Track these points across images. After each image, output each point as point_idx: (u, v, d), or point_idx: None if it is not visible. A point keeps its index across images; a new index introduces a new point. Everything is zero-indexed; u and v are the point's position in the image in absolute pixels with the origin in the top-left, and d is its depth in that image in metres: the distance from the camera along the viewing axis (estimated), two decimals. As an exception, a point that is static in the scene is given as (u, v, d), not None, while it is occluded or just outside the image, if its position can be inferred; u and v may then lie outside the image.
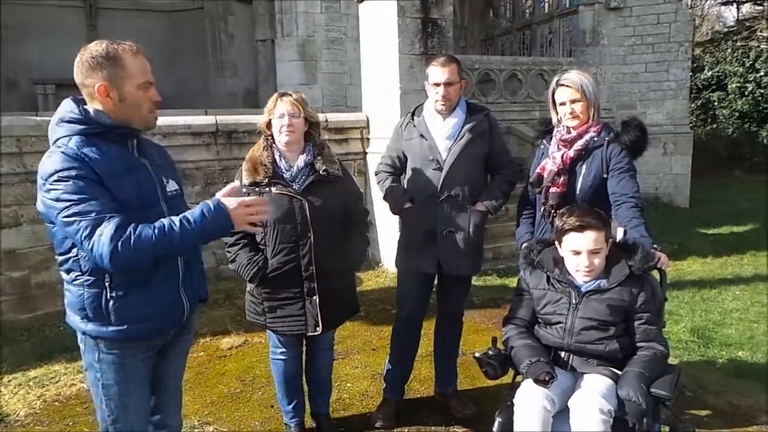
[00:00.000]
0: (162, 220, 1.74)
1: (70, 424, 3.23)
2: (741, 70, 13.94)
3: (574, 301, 2.27)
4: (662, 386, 2.08)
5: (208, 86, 11.84)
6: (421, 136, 2.99)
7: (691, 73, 10.93)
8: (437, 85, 2.90)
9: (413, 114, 3.10)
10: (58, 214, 1.68)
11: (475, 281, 4.26)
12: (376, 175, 3.26)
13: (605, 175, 2.62)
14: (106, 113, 1.80)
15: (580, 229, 2.23)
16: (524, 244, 2.68)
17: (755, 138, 13.98)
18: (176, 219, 1.74)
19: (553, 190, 2.67)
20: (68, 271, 1.82)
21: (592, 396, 2.08)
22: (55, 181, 1.68)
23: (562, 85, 2.66)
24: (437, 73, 2.90)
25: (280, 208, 2.55)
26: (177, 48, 12.44)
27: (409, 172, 3.08)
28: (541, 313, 2.36)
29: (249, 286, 2.73)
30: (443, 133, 2.96)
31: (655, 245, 2.40)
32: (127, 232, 1.67)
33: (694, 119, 15.11)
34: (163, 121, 5.52)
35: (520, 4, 13.12)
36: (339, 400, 3.40)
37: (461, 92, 3.01)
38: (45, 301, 4.88)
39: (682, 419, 2.93)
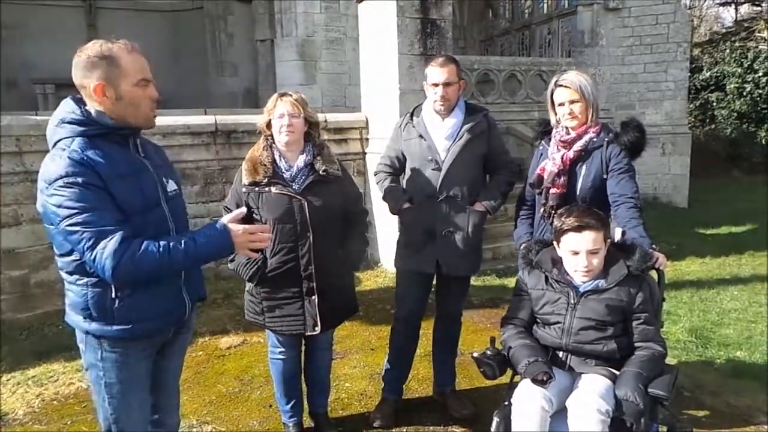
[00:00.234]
0: (168, 237, 1.77)
1: (69, 423, 3.24)
2: (739, 70, 13.96)
3: (572, 301, 2.27)
4: (660, 386, 2.09)
5: (207, 86, 11.82)
6: (420, 136, 3.00)
7: (689, 74, 10.94)
8: (436, 85, 2.91)
9: (412, 114, 3.11)
10: (61, 221, 1.67)
11: (474, 281, 4.27)
12: (375, 175, 3.27)
13: (605, 176, 2.63)
14: (106, 114, 1.79)
15: (578, 229, 2.23)
16: (523, 245, 2.69)
17: (754, 138, 14.01)
18: (182, 239, 1.76)
19: (553, 191, 2.68)
20: (71, 273, 1.82)
21: (590, 396, 2.09)
22: (60, 186, 1.66)
23: (561, 85, 2.67)
24: (436, 73, 2.91)
25: (280, 207, 2.55)
26: (176, 48, 12.44)
27: (408, 173, 3.09)
28: (540, 313, 2.37)
29: (248, 286, 2.74)
30: (442, 133, 2.97)
31: (653, 245, 2.41)
32: (132, 249, 1.68)
33: (693, 120, 15.13)
34: (163, 120, 5.54)
35: (519, 4, 13.13)
36: (337, 400, 3.40)
37: (460, 93, 3.01)
38: (44, 300, 4.88)
39: (679, 419, 2.94)
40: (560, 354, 2.34)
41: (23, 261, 4.90)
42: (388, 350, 3.29)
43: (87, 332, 1.87)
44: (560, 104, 2.67)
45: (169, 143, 5.22)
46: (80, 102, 1.82)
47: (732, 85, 14.04)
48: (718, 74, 14.92)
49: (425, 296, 3.19)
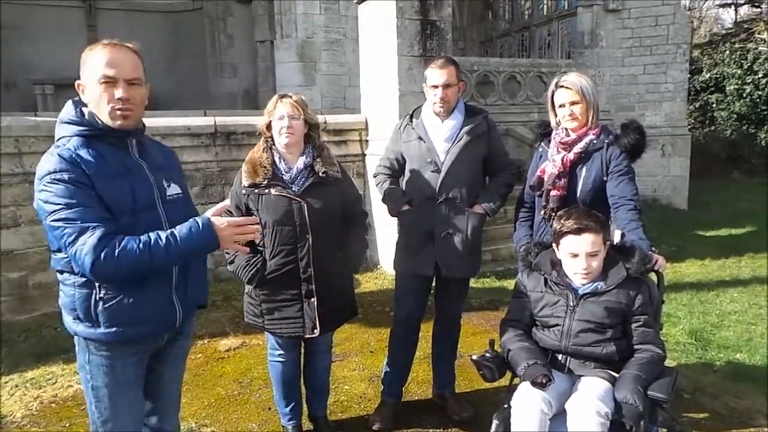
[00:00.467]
0: (149, 234, 1.72)
1: (67, 425, 3.23)
2: (739, 72, 13.97)
3: (571, 304, 2.27)
4: (659, 389, 2.09)
5: (207, 87, 11.83)
6: (420, 138, 2.99)
7: (689, 75, 10.95)
8: (435, 87, 2.91)
9: (412, 116, 3.10)
10: (47, 216, 1.69)
11: (473, 283, 4.26)
12: (374, 177, 3.26)
13: (605, 178, 2.63)
14: (97, 113, 1.80)
15: (577, 231, 2.23)
16: (522, 247, 2.68)
17: (753, 140, 14.02)
18: (163, 234, 1.72)
19: (553, 193, 2.67)
20: (61, 272, 1.82)
21: (590, 399, 2.08)
22: (48, 182, 1.69)
23: (562, 87, 2.66)
24: (436, 75, 2.91)
25: (279, 209, 2.55)
26: (176, 48, 12.44)
27: (407, 174, 3.09)
28: (539, 315, 2.36)
29: (247, 288, 2.73)
30: (441, 135, 2.96)
31: (652, 248, 2.40)
32: (111, 244, 1.66)
33: (693, 121, 15.14)
34: (162, 121, 5.55)
35: (519, 6, 13.14)
36: (337, 403, 3.39)
37: (460, 94, 3.01)
38: (43, 301, 4.87)
39: (679, 422, 2.93)
40: (559, 356, 2.33)
41: (22, 262, 4.90)
42: (387, 352, 3.28)
43: (75, 334, 1.87)
44: (561, 105, 2.67)
45: (168, 144, 5.19)
46: (79, 104, 1.84)
47: (732, 87, 14.06)
48: (718, 76, 14.94)
49: (424, 298, 3.19)
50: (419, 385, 3.58)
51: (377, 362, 3.81)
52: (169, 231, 1.74)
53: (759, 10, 20.15)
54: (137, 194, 1.81)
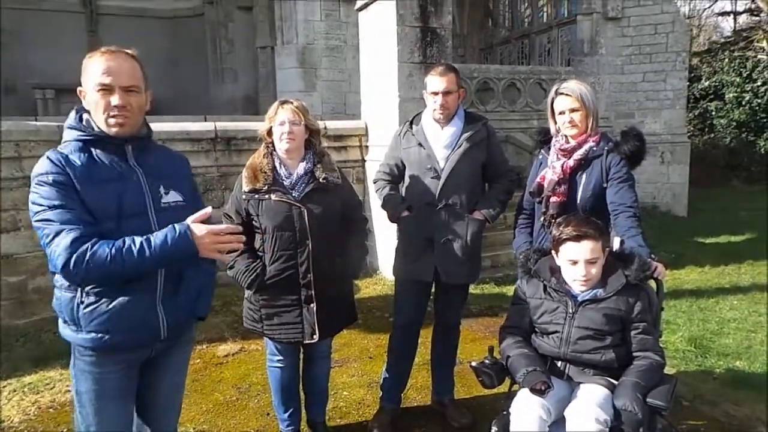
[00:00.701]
0: (125, 238, 1.71)
1: (65, 431, 3.22)
2: (738, 80, 14.01)
3: (570, 311, 2.27)
4: (658, 396, 2.08)
5: (207, 92, 11.87)
6: (420, 144, 3.00)
7: (688, 83, 10.97)
8: (436, 93, 2.92)
9: (411, 122, 3.11)
10: (32, 217, 1.72)
11: (473, 289, 4.26)
12: (374, 182, 3.27)
13: (605, 185, 2.63)
14: (95, 120, 1.82)
15: (577, 238, 2.23)
16: (521, 254, 2.68)
17: (753, 147, 14.04)
18: (138, 239, 1.70)
19: (553, 199, 2.68)
20: (53, 273, 1.82)
21: (589, 405, 2.08)
22: (35, 184, 1.73)
23: (561, 94, 2.67)
24: (436, 82, 2.92)
25: (280, 215, 2.55)
26: (177, 54, 12.49)
27: (407, 180, 3.09)
28: (538, 322, 2.36)
29: (247, 293, 2.73)
30: (441, 141, 2.97)
31: (652, 255, 2.41)
32: (84, 247, 1.66)
33: (692, 129, 15.17)
34: (162, 127, 5.55)
35: (519, 13, 13.19)
36: (335, 409, 3.39)
37: (460, 101, 3.02)
38: (42, 306, 4.86)
39: (678, 429, 2.92)
40: (558, 363, 2.33)
41: (21, 267, 4.90)
42: (386, 358, 3.27)
43: (64, 337, 1.88)
44: (560, 113, 2.68)
45: (168, 150, 5.22)
46: (81, 109, 1.86)
47: (731, 95, 14.09)
48: (717, 83, 14.98)
49: (424, 304, 3.18)
50: (418, 391, 3.57)
51: (376, 368, 3.80)
52: (145, 237, 1.72)
53: (758, 18, 20.23)
54: (124, 200, 1.80)
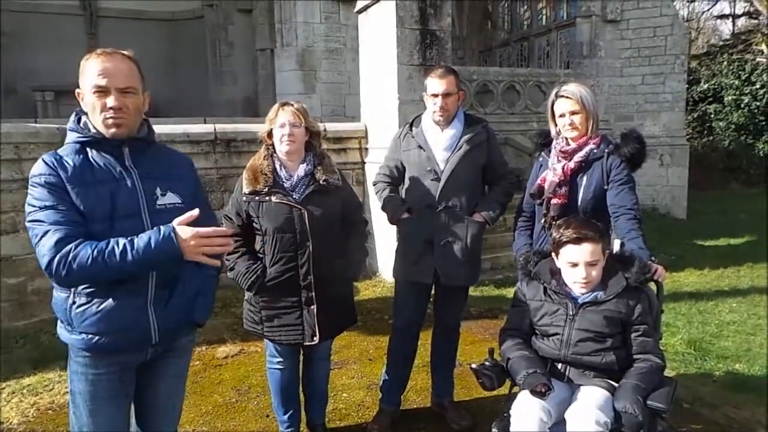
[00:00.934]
0: (110, 240, 1.70)
1: (64, 432, 3.22)
2: (737, 82, 14.04)
3: (570, 313, 2.27)
4: (659, 399, 2.08)
5: (207, 94, 11.88)
6: (419, 146, 3.00)
7: (687, 86, 11.00)
8: (435, 96, 2.92)
9: (411, 125, 3.11)
10: (26, 218, 1.74)
11: (472, 291, 4.26)
12: (374, 185, 3.27)
13: (606, 187, 2.64)
14: (92, 122, 1.83)
15: (577, 241, 2.23)
16: (521, 256, 2.68)
17: (751, 150, 14.07)
18: (122, 241, 1.69)
19: (554, 201, 2.68)
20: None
21: (589, 408, 2.08)
22: (30, 186, 1.75)
23: (562, 96, 2.68)
24: (435, 84, 2.92)
25: (280, 217, 2.55)
26: (177, 56, 12.52)
27: (407, 183, 3.09)
28: (538, 324, 2.36)
29: (247, 295, 2.73)
30: (441, 144, 2.97)
31: (652, 257, 2.41)
32: (67, 248, 1.66)
33: (691, 131, 15.20)
34: (162, 129, 5.55)
35: (518, 16, 13.21)
36: (335, 411, 3.38)
37: (459, 103, 3.02)
38: (41, 307, 4.86)
39: (678, 432, 2.93)
40: (559, 365, 2.33)
41: (21, 268, 4.89)
42: (386, 360, 3.27)
43: (60, 338, 1.88)
44: (561, 115, 2.68)
45: (168, 151, 5.22)
46: (80, 112, 1.87)
47: (730, 97, 14.12)
48: (716, 86, 15.01)
49: (424, 306, 3.18)
50: (418, 393, 3.57)
51: (376, 370, 3.80)
52: (129, 238, 1.70)
53: (756, 21, 20.28)
54: (117, 201, 1.79)
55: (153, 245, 1.69)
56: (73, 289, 1.78)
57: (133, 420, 2.08)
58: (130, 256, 1.68)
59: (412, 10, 5.79)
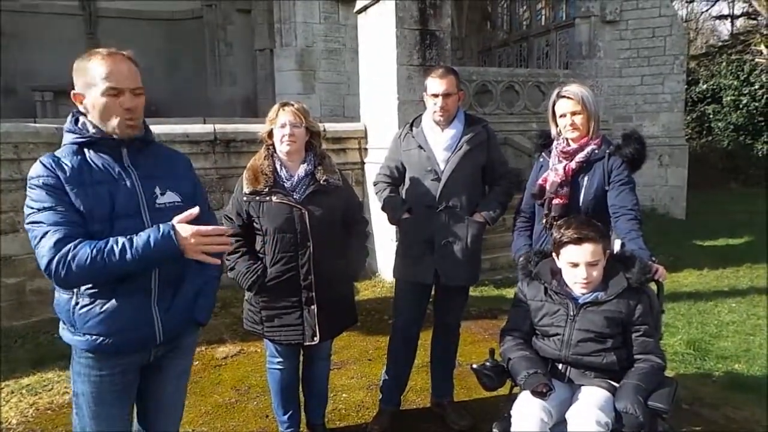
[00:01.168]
0: (109, 239, 1.70)
1: (63, 432, 3.21)
2: (736, 83, 14.07)
3: (571, 313, 2.27)
4: (660, 399, 2.08)
5: (206, 94, 11.88)
6: (420, 147, 3.00)
7: (686, 86, 11.01)
8: (436, 96, 2.92)
9: (412, 125, 3.11)
10: (25, 220, 1.74)
11: (472, 292, 4.25)
12: (374, 185, 3.27)
13: (607, 187, 2.64)
14: (92, 122, 1.81)
15: (578, 241, 2.23)
16: (522, 256, 2.68)
17: (750, 150, 14.10)
18: (121, 240, 1.69)
19: (556, 201, 2.68)
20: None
21: (590, 408, 2.08)
22: (28, 187, 1.75)
23: (563, 97, 2.68)
24: (436, 84, 2.92)
25: (280, 217, 2.55)
26: (176, 56, 12.51)
27: (407, 183, 3.09)
28: (539, 324, 2.36)
29: (247, 295, 2.73)
30: (442, 144, 2.97)
31: (652, 257, 2.41)
32: (66, 248, 1.66)
33: (690, 132, 15.22)
34: (161, 129, 5.55)
35: (517, 16, 13.23)
36: (335, 411, 3.38)
37: (459, 103, 3.02)
38: (40, 308, 4.85)
39: (678, 432, 2.93)
40: (559, 366, 2.32)
41: (20, 268, 4.88)
42: (385, 360, 3.27)
43: (63, 339, 1.88)
44: (562, 115, 2.68)
45: (167, 151, 5.22)
46: (77, 112, 1.86)
47: (728, 98, 14.15)
48: (715, 87, 15.04)
49: (423, 306, 3.18)
50: (418, 393, 3.57)
51: (375, 370, 3.80)
52: (128, 237, 1.70)
53: (755, 22, 20.31)
54: (116, 201, 1.79)
55: (152, 243, 1.69)
56: (75, 290, 1.78)
57: (134, 420, 2.08)
58: (129, 255, 1.67)
59: (411, 10, 5.79)
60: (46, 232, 1.68)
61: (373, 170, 4.37)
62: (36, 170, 1.75)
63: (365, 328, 4.64)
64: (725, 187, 13.95)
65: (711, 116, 14.89)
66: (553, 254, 2.38)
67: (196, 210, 1.77)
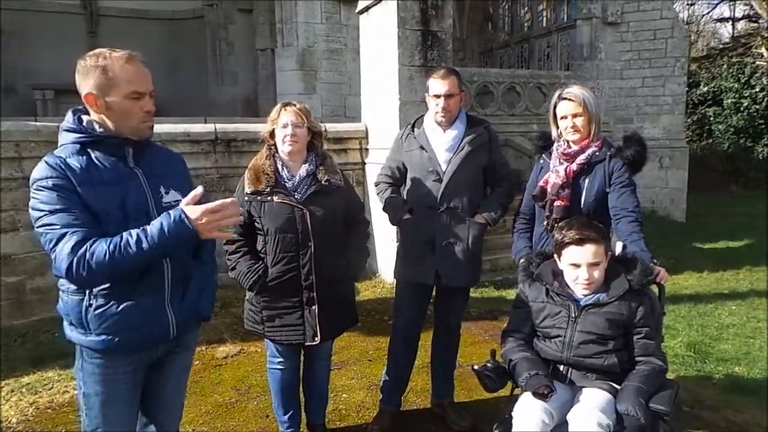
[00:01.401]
0: (122, 234, 1.69)
1: (62, 431, 3.20)
2: (736, 86, 14.08)
3: (573, 315, 2.27)
4: (661, 401, 2.08)
5: (207, 94, 11.87)
6: (421, 147, 3.00)
7: (687, 89, 11.01)
8: (437, 96, 2.92)
9: (413, 126, 3.11)
10: (35, 222, 1.71)
11: (473, 293, 4.24)
12: (375, 185, 3.27)
13: (608, 189, 2.64)
14: (98, 122, 1.81)
15: (579, 242, 2.23)
16: (522, 259, 2.68)
17: (751, 153, 14.11)
18: (134, 232, 1.69)
19: (557, 203, 2.68)
20: (58, 277, 1.80)
21: (591, 410, 2.08)
22: (35, 189, 1.72)
23: (564, 98, 2.67)
24: (437, 85, 2.92)
25: (282, 217, 2.55)
26: (177, 56, 12.50)
27: (408, 183, 3.09)
28: (540, 326, 2.36)
29: (248, 295, 2.73)
30: (443, 144, 2.97)
31: (654, 259, 2.41)
32: (84, 248, 1.65)
33: (691, 134, 15.23)
34: (162, 128, 5.55)
35: (519, 17, 13.23)
36: (335, 411, 3.38)
37: (461, 104, 3.02)
38: (40, 306, 4.85)
39: (679, 434, 2.92)
40: (561, 367, 2.32)
41: (20, 267, 4.88)
42: (386, 361, 3.27)
43: (70, 339, 1.87)
44: (563, 117, 2.68)
45: (168, 151, 5.22)
46: (78, 112, 1.85)
47: (729, 100, 14.15)
48: (716, 89, 15.05)
49: (424, 307, 3.18)
50: (418, 394, 3.57)
51: (376, 371, 3.80)
52: (141, 228, 1.70)
53: (756, 24, 20.34)
54: (128, 201, 1.80)
55: (167, 230, 1.69)
56: (88, 292, 1.77)
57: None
58: (145, 244, 1.68)
59: (413, 11, 5.80)
60: (63, 235, 1.66)
61: (374, 170, 4.37)
62: (43, 171, 1.72)
63: (366, 329, 4.64)
64: (726, 189, 13.96)
65: (712, 119, 14.89)
66: (555, 255, 2.38)
67: (200, 189, 1.78)
